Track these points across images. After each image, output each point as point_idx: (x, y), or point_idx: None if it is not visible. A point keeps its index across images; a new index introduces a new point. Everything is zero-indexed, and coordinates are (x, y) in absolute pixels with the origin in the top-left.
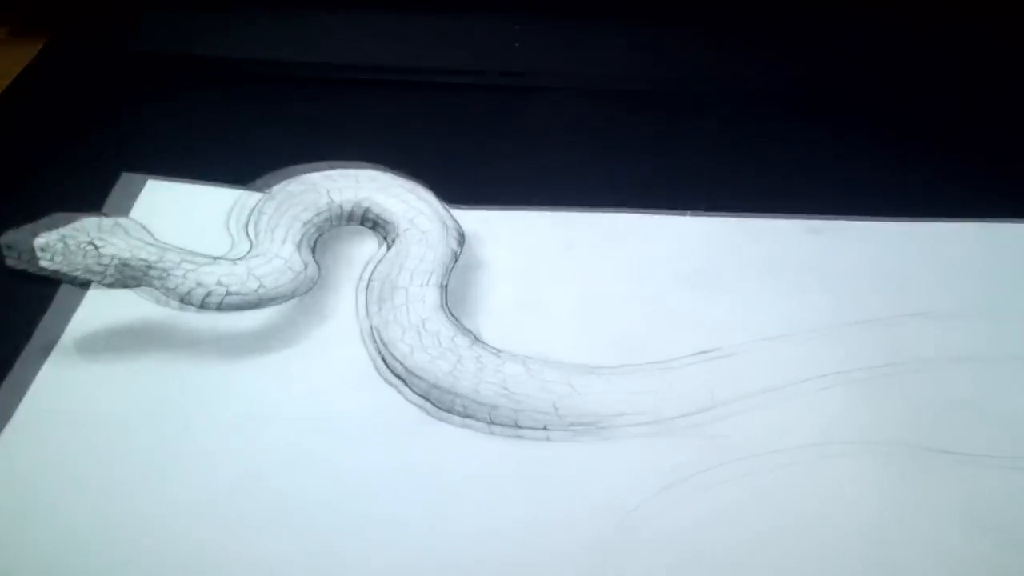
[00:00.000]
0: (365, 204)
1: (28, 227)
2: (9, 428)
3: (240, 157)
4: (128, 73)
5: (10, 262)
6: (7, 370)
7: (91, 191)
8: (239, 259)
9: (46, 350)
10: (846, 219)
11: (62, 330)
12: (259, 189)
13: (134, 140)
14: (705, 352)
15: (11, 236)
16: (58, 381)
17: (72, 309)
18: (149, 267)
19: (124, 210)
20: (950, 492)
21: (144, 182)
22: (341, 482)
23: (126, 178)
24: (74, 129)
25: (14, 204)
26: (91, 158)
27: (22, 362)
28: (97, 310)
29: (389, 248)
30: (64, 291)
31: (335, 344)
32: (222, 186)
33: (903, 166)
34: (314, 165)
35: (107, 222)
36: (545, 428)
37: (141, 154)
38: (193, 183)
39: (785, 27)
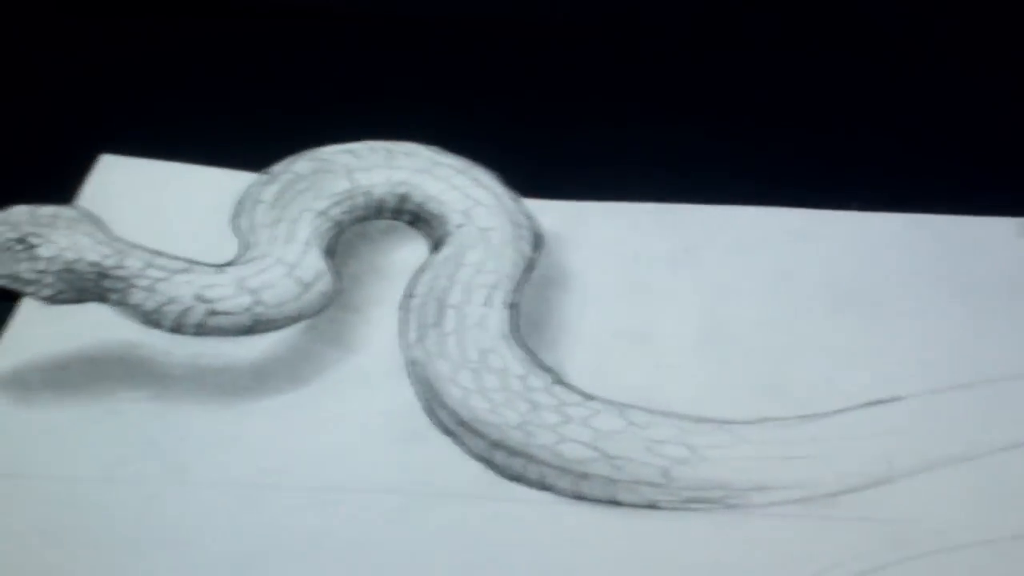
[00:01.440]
0: (402, 190)
1: None
2: None
3: (251, 128)
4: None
5: None
6: None
7: (62, 176)
8: (226, 265)
9: None
10: None
11: None
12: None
13: (118, 111)
14: (878, 403)
15: None
16: None
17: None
18: (103, 274)
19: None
20: None
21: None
22: (371, 575)
23: (107, 162)
24: (41, 97)
25: None
26: (64, 134)
27: None
28: (31, 333)
29: (436, 252)
30: (28, 309)
31: (363, 385)
32: (211, 167)
33: None
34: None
35: (44, 212)
36: (653, 505)
37: (126, 129)
38: (168, 162)
39: None
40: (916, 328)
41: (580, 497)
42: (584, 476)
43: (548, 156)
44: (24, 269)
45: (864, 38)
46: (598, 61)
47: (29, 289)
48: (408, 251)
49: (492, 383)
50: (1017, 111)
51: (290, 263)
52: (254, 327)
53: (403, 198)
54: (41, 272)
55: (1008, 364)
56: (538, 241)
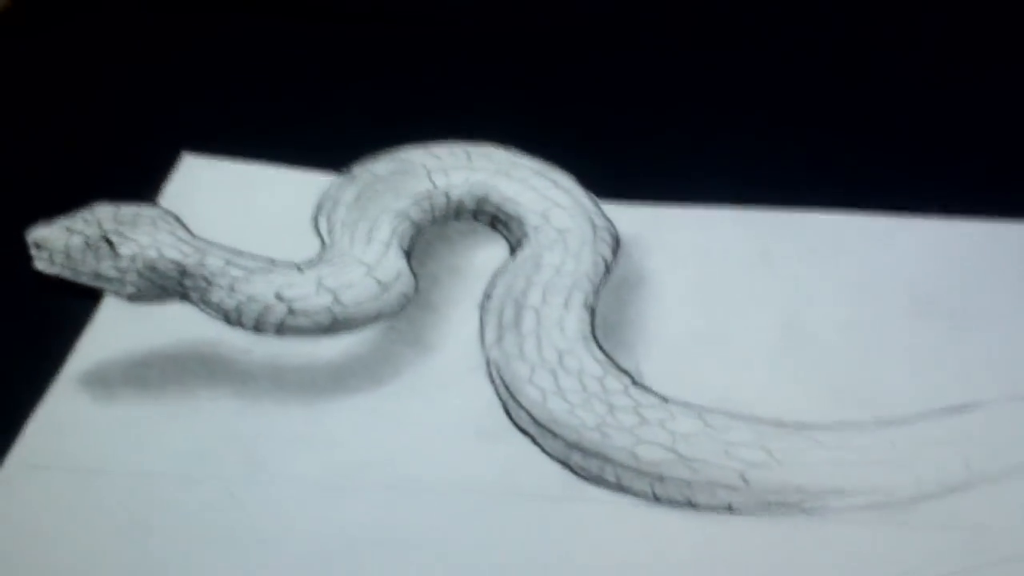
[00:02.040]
0: (480, 192)
1: (63, 221)
2: None
3: (332, 128)
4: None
5: (40, 264)
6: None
7: (145, 175)
8: (305, 265)
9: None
10: None
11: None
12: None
13: (201, 111)
14: (957, 409)
15: (41, 232)
16: (59, 427)
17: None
18: (183, 273)
19: (186, 201)
20: None
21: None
22: (449, 573)
23: (189, 162)
24: (125, 97)
25: (50, 191)
26: (147, 133)
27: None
28: (113, 331)
29: (514, 253)
30: (111, 307)
31: (442, 385)
32: (291, 167)
33: None
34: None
35: (127, 211)
36: (730, 508)
37: (209, 129)
38: (249, 162)
39: None
40: (996, 334)
41: (656, 499)
42: (661, 478)
43: (626, 159)
44: (107, 267)
45: (951, 44)
46: (678, 65)
47: (111, 287)
48: (487, 252)
49: (569, 385)
50: None
51: (369, 263)
52: (333, 326)
53: (481, 200)
54: (123, 270)
55: None
56: (616, 243)
